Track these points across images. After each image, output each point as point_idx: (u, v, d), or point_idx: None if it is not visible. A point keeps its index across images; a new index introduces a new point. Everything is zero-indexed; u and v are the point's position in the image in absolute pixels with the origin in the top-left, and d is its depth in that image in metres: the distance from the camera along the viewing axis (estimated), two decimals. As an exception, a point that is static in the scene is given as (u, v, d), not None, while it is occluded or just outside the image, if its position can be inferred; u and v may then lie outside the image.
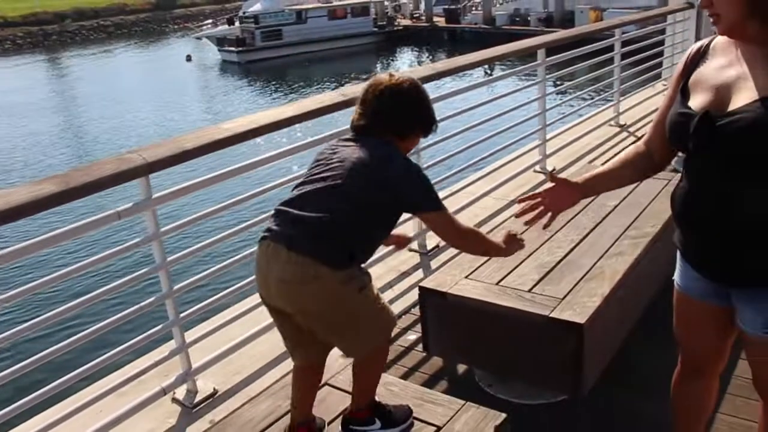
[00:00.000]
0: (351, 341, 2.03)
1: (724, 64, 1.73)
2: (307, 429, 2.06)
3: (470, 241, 2.21)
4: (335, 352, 2.16)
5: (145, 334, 2.91)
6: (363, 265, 2.01)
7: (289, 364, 3.03)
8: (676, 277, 2.00)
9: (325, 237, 1.90)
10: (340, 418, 2.09)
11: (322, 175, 1.98)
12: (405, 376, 3.12)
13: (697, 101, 1.76)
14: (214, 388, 3.14)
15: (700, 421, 2.29)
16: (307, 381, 2.11)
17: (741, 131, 1.64)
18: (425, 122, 2.12)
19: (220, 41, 38.75)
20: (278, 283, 1.92)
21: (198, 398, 3.08)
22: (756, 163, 1.65)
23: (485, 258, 3.08)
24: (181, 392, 3.10)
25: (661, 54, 8.64)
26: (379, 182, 1.95)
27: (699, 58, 1.82)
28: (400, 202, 2.03)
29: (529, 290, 2.83)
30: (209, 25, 45.79)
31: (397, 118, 2.06)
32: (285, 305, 1.97)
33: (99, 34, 60.47)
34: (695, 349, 2.09)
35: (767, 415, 1.98)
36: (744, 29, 1.67)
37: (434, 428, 1.95)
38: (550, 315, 2.62)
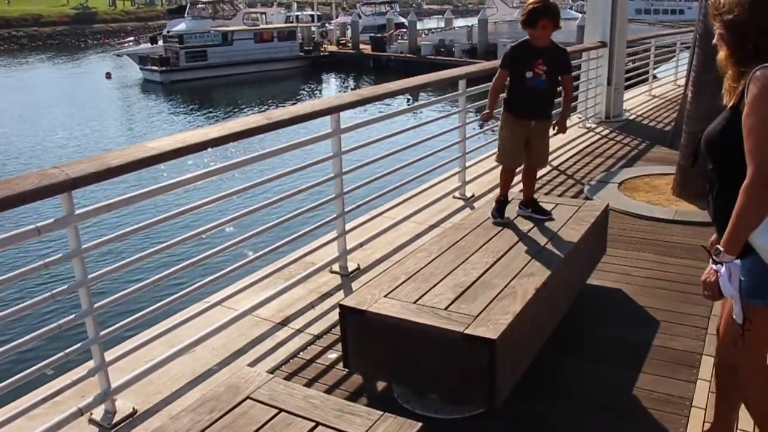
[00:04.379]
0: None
1: None
2: (504, 197, 4.17)
3: None
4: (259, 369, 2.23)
5: (62, 353, 2.83)
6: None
7: (209, 384, 3.08)
8: None
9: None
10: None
11: None
12: (326, 393, 3.18)
13: None
14: (134, 408, 3.11)
15: None
16: (510, 176, 4.29)
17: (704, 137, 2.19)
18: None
19: (143, 59, 38.03)
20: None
21: (117, 418, 3.03)
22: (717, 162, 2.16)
23: (404, 278, 3.22)
24: (98, 413, 3.05)
25: (576, 89, 9.11)
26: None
27: None
28: None
29: (446, 308, 2.96)
30: (131, 43, 44.90)
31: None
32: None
33: (11, 45, 58.09)
34: None
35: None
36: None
37: (353, 438, 2.02)
38: (465, 331, 2.75)
